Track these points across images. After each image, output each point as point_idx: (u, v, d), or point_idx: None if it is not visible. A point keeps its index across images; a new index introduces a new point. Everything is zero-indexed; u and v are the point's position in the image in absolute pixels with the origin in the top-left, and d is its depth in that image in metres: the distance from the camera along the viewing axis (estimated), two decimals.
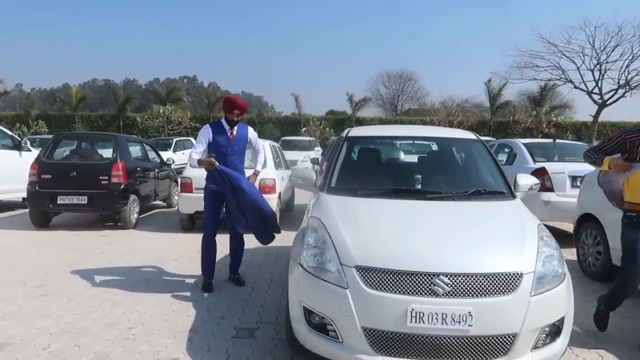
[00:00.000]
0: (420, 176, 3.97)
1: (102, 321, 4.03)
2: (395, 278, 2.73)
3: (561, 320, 2.87)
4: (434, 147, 4.45)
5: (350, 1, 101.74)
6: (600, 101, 24.60)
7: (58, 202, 7.77)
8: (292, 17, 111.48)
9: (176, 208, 10.27)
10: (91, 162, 8.22)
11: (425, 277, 2.71)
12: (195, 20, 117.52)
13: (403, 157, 5.00)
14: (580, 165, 7.54)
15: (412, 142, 4.68)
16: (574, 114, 33.27)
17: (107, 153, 8.56)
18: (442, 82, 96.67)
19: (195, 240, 7.19)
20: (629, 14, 39.14)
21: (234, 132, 4.89)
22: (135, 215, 8.40)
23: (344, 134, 4.50)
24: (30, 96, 41.72)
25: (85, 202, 7.77)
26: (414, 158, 4.66)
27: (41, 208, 7.96)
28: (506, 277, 2.73)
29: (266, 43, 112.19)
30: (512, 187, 3.82)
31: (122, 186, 7.90)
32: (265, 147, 8.47)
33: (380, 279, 2.75)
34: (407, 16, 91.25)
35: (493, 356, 2.68)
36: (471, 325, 2.62)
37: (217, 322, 4.05)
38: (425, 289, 2.69)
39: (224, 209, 4.99)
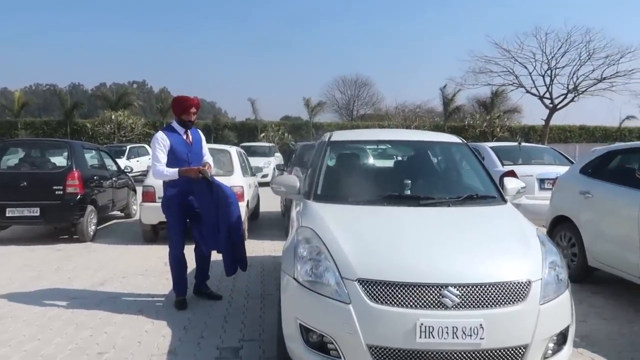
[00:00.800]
0: (409, 181, 3.83)
1: (67, 346, 3.65)
2: (401, 291, 2.57)
3: (567, 328, 2.80)
4: (420, 151, 4.34)
5: (304, 6, 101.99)
6: (551, 105, 25.73)
7: (7, 214, 7.16)
8: (245, 21, 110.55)
9: (137, 218, 9.79)
10: (44, 171, 7.63)
11: (433, 289, 2.56)
12: (143, 24, 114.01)
13: (389, 161, 4.87)
14: (548, 168, 7.73)
15: (397, 146, 4.56)
16: (522, 118, 34.62)
17: (60, 161, 8.00)
18: (397, 88, 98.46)
19: (160, 252, 6.83)
20: (578, 21, 41.41)
21: (189, 135, 4.47)
22: (93, 227, 7.87)
23: (325, 139, 4.31)
24: None
25: (38, 214, 7.19)
26: (400, 162, 4.53)
27: None
28: (516, 286, 2.62)
29: (218, 48, 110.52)
30: (502, 191, 3.75)
31: (79, 196, 7.38)
32: (232, 153, 8.19)
33: (386, 293, 2.58)
34: (362, 21, 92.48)
35: None
36: (483, 338, 2.49)
37: (197, 342, 3.75)
38: (434, 302, 2.54)
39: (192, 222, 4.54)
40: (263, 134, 28.36)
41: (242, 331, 3.98)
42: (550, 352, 2.70)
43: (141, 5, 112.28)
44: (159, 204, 7.09)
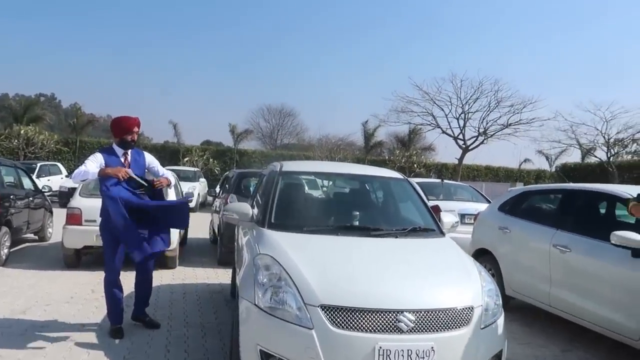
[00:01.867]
0: (358, 213, 4.07)
1: None
2: (362, 316, 2.74)
3: (501, 351, 3.12)
4: (366, 185, 4.61)
5: (231, 31, 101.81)
6: (464, 146, 27.79)
7: None
8: (168, 41, 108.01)
9: (52, 242, 9.15)
10: None
11: (391, 315, 2.76)
12: (53, 33, 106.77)
13: (338, 193, 5.09)
14: (468, 204, 8.40)
15: (345, 179, 4.80)
16: (436, 156, 36.98)
17: None
18: (320, 120, 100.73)
19: (84, 278, 6.50)
20: (489, 72, 45.70)
21: (128, 156, 4.36)
22: (6, 251, 7.27)
23: (276, 168, 4.46)
24: None
25: None
26: (348, 195, 4.77)
27: None
28: (462, 311, 2.90)
29: (136, 66, 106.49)
30: (439, 225, 4.10)
31: None
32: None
33: (347, 318, 2.74)
34: (290, 51, 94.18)
35: None
36: None
37: None
38: (391, 326, 2.74)
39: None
40: (187, 159, 27.67)
41: (187, 359, 3.91)
42: None
43: (52, 10, 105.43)
44: (85, 227, 6.85)
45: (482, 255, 6.17)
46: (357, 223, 3.99)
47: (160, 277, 6.72)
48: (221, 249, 7.73)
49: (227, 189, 9.27)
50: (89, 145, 30.52)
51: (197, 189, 17.79)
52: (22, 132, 24.97)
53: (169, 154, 28.95)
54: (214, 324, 4.84)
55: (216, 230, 8.93)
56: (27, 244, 9.10)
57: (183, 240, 9.26)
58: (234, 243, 5.20)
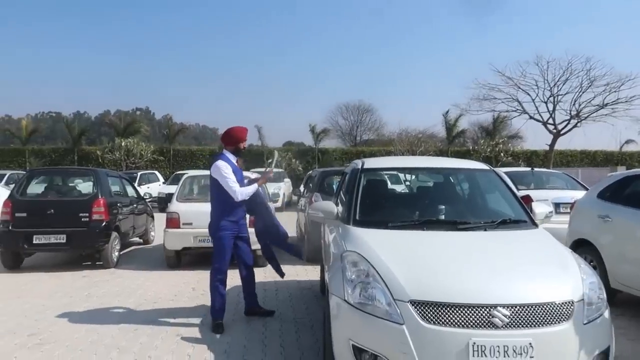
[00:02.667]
0: (443, 207, 4.00)
1: None
2: (454, 312, 2.70)
3: (608, 348, 2.92)
4: (450, 178, 4.51)
5: (308, 29, 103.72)
6: (554, 131, 26.07)
7: (34, 241, 7.30)
8: (243, 48, 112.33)
9: (155, 244, 9.92)
10: (70, 199, 7.83)
11: (484, 310, 2.69)
12: (144, 50, 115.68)
13: (420, 187, 5.04)
14: (562, 193, 7.90)
15: (427, 173, 4.74)
16: (523, 143, 34.97)
17: (85, 188, 8.18)
18: (399, 114, 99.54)
19: (186, 277, 6.96)
20: (578, 51, 42.00)
21: (239, 162, 4.92)
22: (117, 254, 8.00)
23: (358, 166, 4.49)
24: None
25: (64, 240, 7.34)
26: (432, 189, 4.71)
27: (14, 249, 7.46)
28: (561, 305, 2.76)
29: (217, 75, 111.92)
30: (532, 216, 3.90)
31: (104, 223, 7.54)
32: None
33: (439, 313, 2.71)
34: (365, 46, 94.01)
35: None
36: (532, 357, 2.61)
37: None
38: (484, 322, 2.67)
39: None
40: (270, 160, 28.62)
41: (283, 354, 4.08)
42: None
43: (143, 32, 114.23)
44: (183, 230, 7.36)
45: (581, 247, 5.77)
46: (442, 217, 3.92)
47: None
48: (308, 246, 7.92)
49: (311, 187, 9.47)
50: (181, 152, 32.56)
51: (283, 189, 18.35)
52: (123, 144, 27.22)
53: (254, 157, 30.06)
54: (306, 320, 4.99)
55: (302, 229, 9.16)
56: (134, 247, 9.93)
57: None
58: (321, 241, 5.32)
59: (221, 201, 4.66)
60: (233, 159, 4.78)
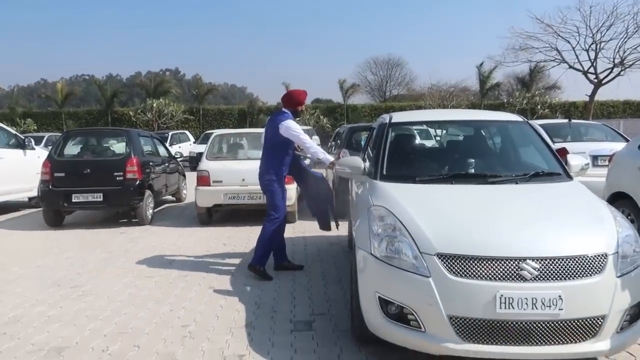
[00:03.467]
0: (473, 160, 3.91)
1: (152, 320, 3.93)
2: (481, 264, 2.68)
3: None
4: (480, 130, 4.38)
5: None
6: (595, 81, 24.85)
7: (73, 200, 7.59)
8: (271, 5, 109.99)
9: (187, 202, 10.18)
10: (105, 159, 8.05)
11: (512, 262, 2.66)
12: (172, 13, 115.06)
13: (450, 141, 4.92)
14: (600, 145, 7.60)
15: (457, 126, 4.62)
16: (561, 95, 33.58)
17: (119, 148, 8.37)
18: (430, 67, 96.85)
19: (217, 234, 7.14)
20: None
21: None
22: (151, 211, 8.25)
23: (386, 120, 4.41)
24: (14, 94, 40.78)
25: (101, 199, 7.60)
26: (461, 142, 4.59)
27: (56, 207, 7.78)
28: (593, 258, 2.69)
29: (247, 32, 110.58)
30: (566, 168, 3.77)
31: (138, 182, 7.74)
32: None
33: (465, 266, 2.69)
34: (398, 2, 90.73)
35: (582, 339, 2.65)
36: (562, 309, 2.58)
37: (270, 316, 3.98)
38: (513, 274, 2.64)
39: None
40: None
41: (311, 306, 4.17)
42: (625, 323, 2.76)
43: None
44: (214, 188, 7.49)
45: (620, 200, 5.58)
46: (472, 170, 3.83)
47: None
48: (336, 202, 7.95)
49: (339, 144, 9.41)
50: (210, 112, 32.80)
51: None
52: (154, 105, 27.57)
53: None
54: (334, 273, 5.07)
55: (330, 185, 9.17)
56: (167, 205, 10.21)
57: (300, 195, 9.69)
58: (348, 196, 5.32)
59: (274, 157, 4.92)
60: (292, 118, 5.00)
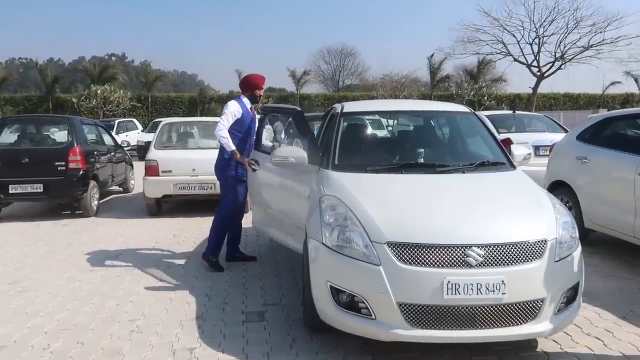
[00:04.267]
0: (423, 150, 4.00)
1: (98, 315, 3.80)
2: (429, 252, 2.75)
3: (578, 284, 3.02)
4: (430, 121, 4.48)
5: None
6: (539, 74, 25.99)
7: (10, 191, 7.20)
8: None
9: (135, 193, 9.87)
10: (45, 147, 7.66)
11: (459, 250, 2.74)
12: None
13: (400, 132, 5.00)
14: (543, 136, 7.96)
15: (407, 116, 4.70)
16: (507, 87, 34.88)
17: (61, 137, 8.00)
18: (383, 58, 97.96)
19: (167, 225, 6.98)
20: None
21: (254, 110, 5.03)
22: (96, 203, 7.94)
23: (337, 110, 4.42)
24: None
25: (42, 190, 7.24)
26: (411, 132, 4.68)
27: None
28: (534, 245, 2.82)
29: (197, 19, 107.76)
30: (510, 158, 3.92)
31: (82, 172, 7.42)
32: None
33: (414, 254, 2.76)
34: None
35: (523, 321, 2.78)
36: (505, 294, 2.69)
37: (222, 307, 3.93)
38: (459, 261, 2.73)
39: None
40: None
41: (263, 297, 4.16)
42: (562, 305, 2.92)
43: None
44: (163, 178, 7.29)
45: (559, 188, 5.88)
46: (422, 160, 3.92)
47: None
48: None
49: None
50: (160, 100, 31.87)
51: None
52: (99, 92, 26.44)
53: None
54: (287, 263, 5.07)
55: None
56: (114, 196, 9.86)
57: None
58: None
59: (235, 141, 4.76)
60: (248, 104, 4.90)
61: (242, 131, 4.82)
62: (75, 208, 7.94)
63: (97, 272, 4.88)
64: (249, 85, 4.91)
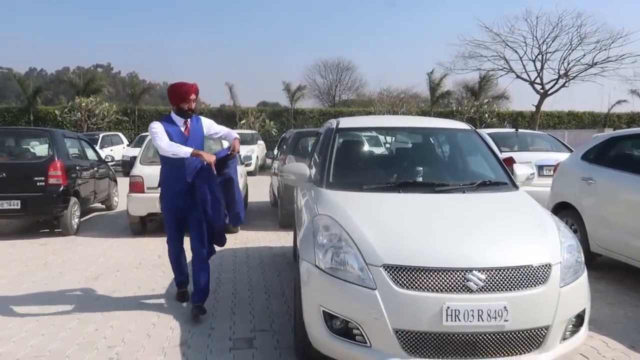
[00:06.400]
0: (421, 168, 4.01)
1: (74, 341, 3.73)
2: (427, 276, 2.73)
3: (584, 311, 3.01)
4: (429, 138, 4.51)
5: None
6: (542, 91, 26.30)
7: None
8: (217, 3, 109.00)
9: (119, 210, 9.80)
10: (24, 161, 7.62)
11: (458, 273, 2.73)
12: (105, 3, 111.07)
13: (398, 148, 5.02)
14: (546, 155, 8.02)
15: (406, 132, 4.72)
16: (509, 104, 35.27)
17: (41, 150, 7.95)
18: (380, 72, 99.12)
19: (151, 244, 6.92)
20: (569, 5, 42.29)
21: (189, 125, 4.27)
22: (77, 220, 7.87)
23: (332, 126, 4.44)
24: None
25: (19, 206, 7.17)
26: (410, 149, 4.70)
27: None
28: (537, 269, 2.81)
29: (188, 31, 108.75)
30: (512, 178, 3.94)
31: (62, 188, 7.37)
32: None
33: (412, 278, 2.74)
34: (345, 1, 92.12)
35: (527, 350, 2.76)
36: (507, 320, 2.67)
37: (208, 333, 3.88)
38: (459, 286, 2.71)
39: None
40: (243, 121, 28.22)
41: (252, 322, 4.11)
42: (568, 333, 2.90)
43: None
44: (148, 195, 7.24)
45: (563, 210, 5.91)
46: (420, 179, 3.93)
47: None
48: (282, 211, 7.93)
49: (285, 150, 9.40)
50: (147, 113, 31.85)
51: (256, 151, 18.20)
52: (83, 104, 26.43)
53: (225, 117, 29.64)
54: (277, 287, 5.02)
55: (276, 193, 9.14)
56: (96, 213, 9.79)
57: (244, 204, 9.58)
58: (294, 205, 5.30)
59: (163, 165, 4.28)
60: (179, 120, 4.23)
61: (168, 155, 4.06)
62: (54, 226, 7.86)
63: (74, 295, 4.81)
64: (172, 97, 4.20)
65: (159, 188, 4.41)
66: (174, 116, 4.27)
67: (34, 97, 31.34)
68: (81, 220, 8.27)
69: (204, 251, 4.29)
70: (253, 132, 22.00)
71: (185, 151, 4.02)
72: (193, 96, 4.22)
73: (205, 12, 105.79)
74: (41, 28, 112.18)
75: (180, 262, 4.61)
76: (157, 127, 4.12)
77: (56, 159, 7.41)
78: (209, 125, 4.48)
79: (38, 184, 7.24)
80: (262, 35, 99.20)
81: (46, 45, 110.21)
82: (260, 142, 21.29)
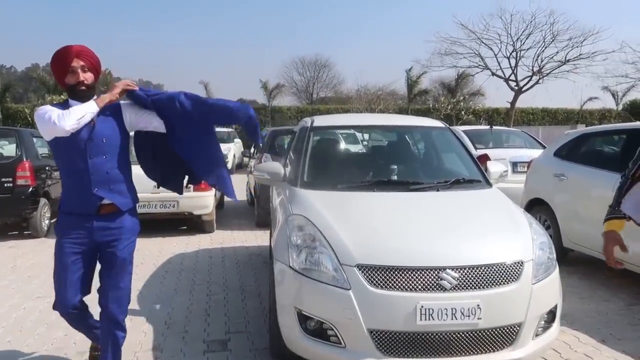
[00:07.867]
0: (396, 166, 4.02)
1: (43, 347, 3.64)
2: (401, 275, 2.73)
3: (556, 307, 3.05)
4: (404, 136, 4.52)
5: None
6: (516, 88, 26.72)
7: None
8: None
9: None
10: None
11: (432, 272, 2.74)
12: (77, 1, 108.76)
13: (373, 147, 5.02)
14: (520, 152, 8.14)
15: (381, 131, 4.72)
16: (485, 101, 35.73)
17: (8, 151, 7.72)
18: (358, 69, 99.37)
19: None
20: (542, 3, 43.25)
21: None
22: (47, 222, 7.68)
23: (307, 124, 4.42)
24: None
25: None
26: (385, 147, 4.70)
27: None
28: (510, 266, 2.84)
29: (163, 27, 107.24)
30: (486, 175, 3.98)
31: (31, 189, 7.18)
32: None
33: (386, 277, 2.74)
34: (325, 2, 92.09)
35: (500, 347, 2.79)
36: (480, 318, 2.69)
37: (181, 336, 3.82)
38: (432, 284, 2.72)
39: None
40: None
41: (227, 324, 4.07)
42: (541, 329, 2.94)
43: None
44: None
45: (537, 206, 6.01)
46: (394, 177, 3.93)
47: (199, 242, 6.96)
48: (258, 210, 7.88)
49: (261, 148, 9.34)
50: None
51: (232, 150, 18.06)
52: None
53: None
54: (253, 287, 4.99)
55: (252, 192, 9.09)
56: None
57: (220, 203, 9.49)
58: (270, 204, 5.27)
59: (63, 176, 2.88)
60: (77, 104, 2.68)
61: (67, 156, 2.76)
62: (23, 228, 7.65)
63: (43, 299, 4.68)
64: (54, 73, 2.81)
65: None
66: (71, 102, 2.73)
67: (3, 94, 30.58)
68: (51, 221, 8.07)
69: (120, 317, 3.01)
70: (230, 130, 21.79)
71: (86, 108, 2.65)
72: (77, 63, 2.70)
73: (178, 8, 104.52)
74: (9, 23, 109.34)
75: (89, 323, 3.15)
76: (41, 109, 2.70)
77: (24, 159, 7.22)
78: (134, 112, 2.94)
79: (5, 185, 7.05)
80: (238, 32, 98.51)
81: (16, 42, 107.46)
82: (237, 140, 21.13)
